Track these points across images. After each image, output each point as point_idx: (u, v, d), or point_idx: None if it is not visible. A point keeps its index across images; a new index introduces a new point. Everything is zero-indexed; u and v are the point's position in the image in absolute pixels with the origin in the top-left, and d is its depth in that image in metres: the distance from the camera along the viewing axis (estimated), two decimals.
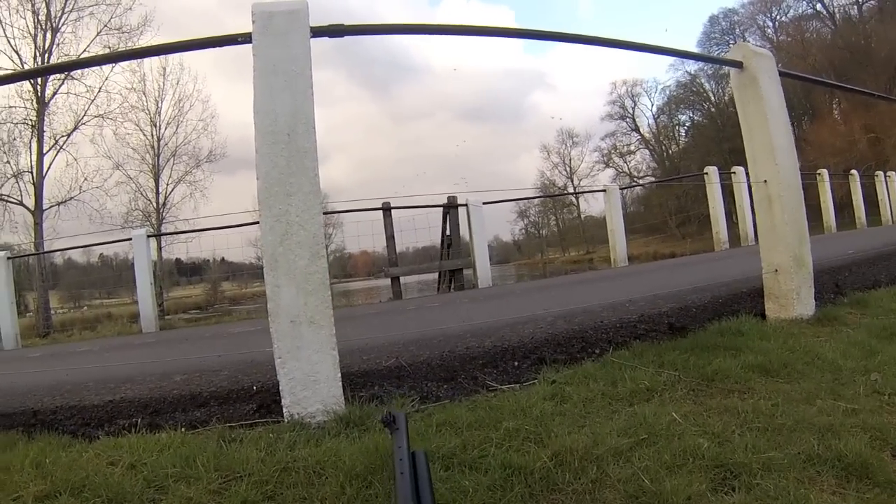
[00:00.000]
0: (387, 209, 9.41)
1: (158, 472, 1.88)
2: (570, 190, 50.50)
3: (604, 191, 11.10)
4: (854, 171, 15.93)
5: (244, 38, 2.63)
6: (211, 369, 3.11)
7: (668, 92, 50.53)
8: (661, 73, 66.27)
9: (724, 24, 47.27)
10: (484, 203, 9.56)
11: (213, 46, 2.93)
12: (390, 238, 9.43)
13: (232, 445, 2.10)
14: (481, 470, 1.76)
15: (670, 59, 45.80)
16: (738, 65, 3.93)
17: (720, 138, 38.94)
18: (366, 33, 3.03)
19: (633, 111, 51.99)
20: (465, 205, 9.42)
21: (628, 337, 3.15)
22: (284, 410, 2.41)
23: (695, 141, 45.69)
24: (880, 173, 15.87)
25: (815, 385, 2.43)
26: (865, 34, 38.51)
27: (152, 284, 8.98)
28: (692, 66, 46.26)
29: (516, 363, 2.86)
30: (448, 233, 9.95)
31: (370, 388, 2.64)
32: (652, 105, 52.68)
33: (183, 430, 2.36)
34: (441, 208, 9.96)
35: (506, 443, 1.92)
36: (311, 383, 2.40)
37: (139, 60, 23.54)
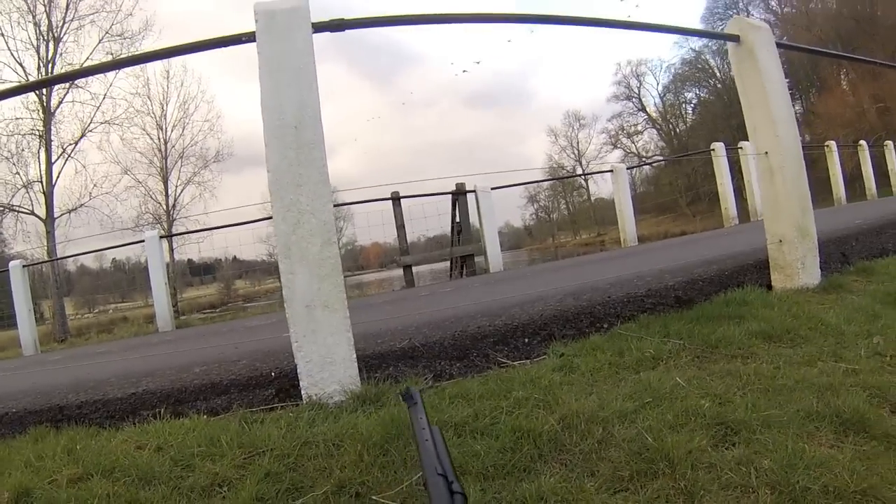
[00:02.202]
0: (396, 198, 9.43)
1: (184, 451, 1.98)
2: (582, 174, 50.32)
3: (611, 171, 11.04)
4: (863, 142, 15.76)
5: (248, 38, 2.72)
6: (229, 359, 3.18)
7: (673, 70, 50.27)
8: (666, 52, 65.48)
9: None
10: (492, 188, 9.55)
11: (218, 47, 3.01)
12: (401, 227, 9.47)
13: (254, 426, 2.20)
14: (492, 435, 1.85)
15: (675, 38, 45.49)
16: (736, 39, 3.94)
17: (727, 114, 38.54)
18: (366, 26, 3.08)
19: (639, 91, 51.71)
20: (474, 191, 9.44)
21: (636, 311, 3.21)
22: (303, 392, 2.51)
23: (702, 118, 45.29)
24: (889, 143, 15.69)
25: (817, 349, 2.50)
26: (871, 2, 37.96)
27: (166, 284, 9.10)
28: (696, 42, 45.82)
29: (526, 340, 2.94)
30: (458, 220, 10.01)
31: (385, 368, 2.73)
32: (658, 84, 52.43)
33: (205, 416, 2.47)
34: (450, 195, 10.00)
35: (516, 410, 2.00)
36: (327, 365, 2.50)
37: (142, 65, 23.73)
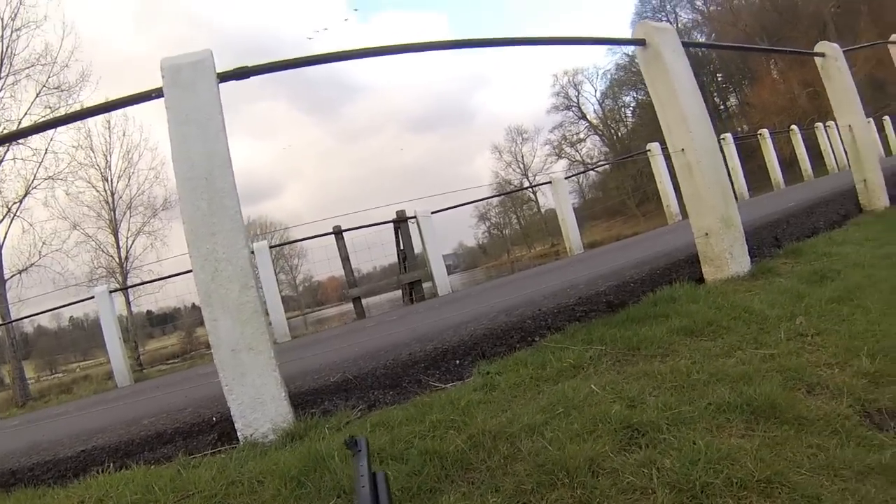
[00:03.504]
0: (338, 232, 9.48)
1: (122, 501, 2.01)
2: (526, 188, 51.00)
3: (549, 183, 11.23)
4: (794, 127, 16.37)
5: (157, 93, 2.75)
6: (177, 409, 3.18)
7: (609, 76, 51.64)
8: (600, 59, 66.84)
9: (654, 1, 48.25)
10: (433, 212, 9.63)
11: (130, 105, 3.06)
12: (346, 260, 9.52)
13: (189, 470, 2.21)
14: (403, 460, 1.88)
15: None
16: (642, 42, 4.03)
17: None
18: (270, 71, 3.09)
19: (578, 99, 53.05)
20: (415, 217, 9.51)
21: (566, 321, 3.23)
22: (238, 434, 2.53)
23: (641, 119, 46.18)
24: (820, 125, 16.32)
25: (738, 338, 2.55)
26: None
27: (121, 339, 8.90)
28: (629, 48, 47.17)
29: (457, 361, 2.95)
30: (402, 247, 10.08)
31: (320, 403, 2.74)
32: (595, 91, 53.86)
33: (149, 465, 2.50)
34: (392, 223, 10.06)
35: (429, 433, 2.03)
36: (258, 405, 2.52)
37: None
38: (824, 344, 2.37)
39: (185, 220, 2.59)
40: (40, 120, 21.55)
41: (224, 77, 2.80)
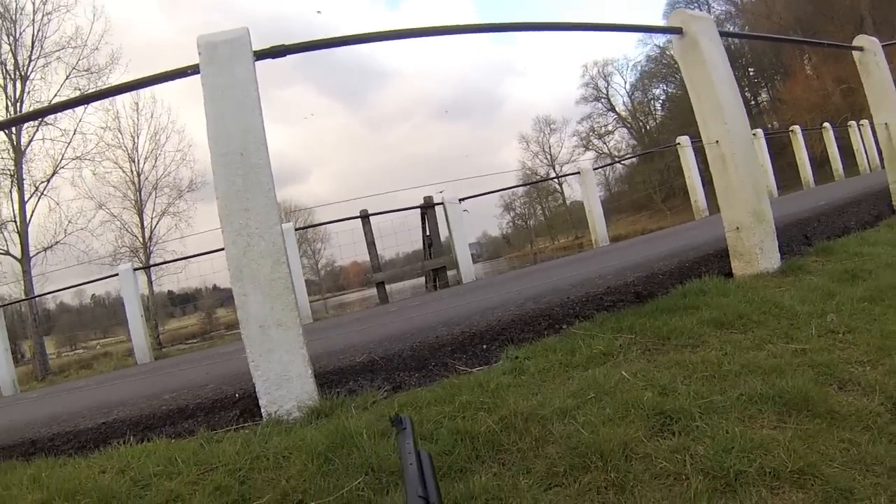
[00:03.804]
0: (365, 216, 9.50)
1: (144, 472, 2.01)
2: (552, 177, 50.65)
3: (577, 173, 11.13)
4: (827, 124, 16.05)
5: (193, 70, 2.76)
6: (198, 385, 3.21)
7: (639, 68, 50.79)
8: (631, 50, 65.97)
9: None
10: (460, 199, 9.57)
11: (165, 81, 3.06)
12: (371, 245, 9.53)
13: (211, 444, 2.23)
14: (432, 440, 1.88)
15: (638, 35, 45.91)
16: (679, 31, 3.97)
17: None
18: (308, 49, 3.11)
19: (608, 91, 52.33)
20: (442, 203, 9.47)
21: (594, 309, 3.21)
22: (262, 410, 2.54)
23: (671, 113, 45.62)
24: (853, 123, 15.98)
25: (768, 332, 2.52)
26: None
27: (143, 316, 9.04)
28: (660, 38, 46.47)
29: (484, 346, 2.95)
30: (428, 233, 10.07)
31: (345, 383, 2.75)
32: (625, 83, 53.34)
33: (170, 439, 2.50)
34: (419, 209, 10.06)
35: (459, 414, 2.04)
36: (284, 382, 2.53)
37: (111, 99, 23.68)
38: (856, 342, 2.35)
39: (219, 196, 2.61)
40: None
41: (260, 55, 2.81)
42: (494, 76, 75.92)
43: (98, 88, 21.21)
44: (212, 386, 3.09)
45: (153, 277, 23.68)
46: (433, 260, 9.85)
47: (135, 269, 9.51)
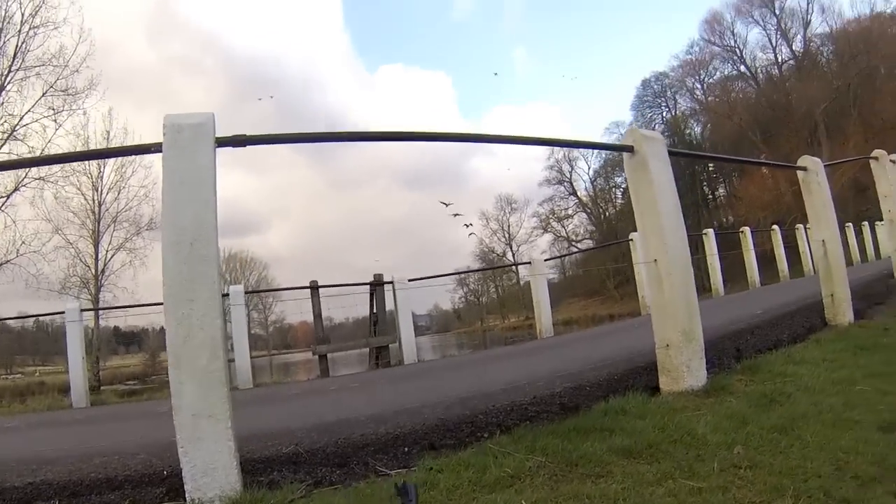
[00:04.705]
0: (314, 287, 9.71)
1: None
2: (509, 256, 51.40)
3: (529, 263, 11.43)
4: (775, 226, 16.85)
5: (156, 148, 2.84)
6: (129, 452, 3.22)
7: (604, 155, 52.37)
8: (598, 136, 68.60)
9: (655, 87, 49.98)
10: (409, 280, 9.84)
11: (129, 154, 3.26)
12: (318, 316, 9.76)
13: None
14: None
15: (606, 123, 47.66)
16: (630, 149, 4.12)
17: None
18: (267, 142, 3.24)
19: (571, 175, 54.34)
20: (391, 282, 9.72)
21: (518, 420, 3.30)
22: (187, 496, 2.58)
23: (630, 203, 47.02)
24: (800, 226, 16.79)
25: (673, 465, 2.56)
26: (786, 91, 41.11)
27: (84, 358, 8.83)
28: (626, 128, 48.56)
29: (406, 449, 3.03)
30: (374, 311, 10.28)
31: (269, 473, 2.81)
32: (589, 168, 54.87)
33: None
34: (368, 286, 10.26)
35: None
36: (210, 471, 2.58)
37: (83, 123, 23.64)
38: (754, 479, 2.38)
39: (166, 283, 2.66)
40: (41, 119, 21.77)
41: (222, 142, 2.91)
42: (464, 149, 77.85)
43: (70, 113, 21.19)
44: (142, 456, 3.10)
45: (101, 313, 23.06)
46: (377, 338, 10.01)
47: (82, 310, 9.35)
